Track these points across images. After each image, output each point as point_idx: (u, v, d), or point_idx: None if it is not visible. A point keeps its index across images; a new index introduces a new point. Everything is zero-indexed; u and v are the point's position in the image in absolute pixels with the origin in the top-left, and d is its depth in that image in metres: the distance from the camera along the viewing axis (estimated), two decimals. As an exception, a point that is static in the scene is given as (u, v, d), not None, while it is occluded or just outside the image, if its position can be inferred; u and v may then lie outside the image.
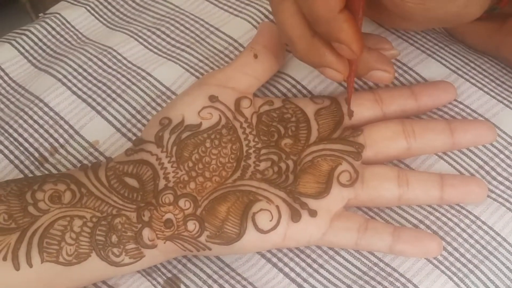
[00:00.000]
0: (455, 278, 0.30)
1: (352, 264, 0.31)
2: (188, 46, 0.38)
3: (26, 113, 0.36)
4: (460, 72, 0.36)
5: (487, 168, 0.33)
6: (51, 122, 0.36)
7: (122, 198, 0.30)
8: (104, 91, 0.36)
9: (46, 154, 0.35)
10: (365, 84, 0.36)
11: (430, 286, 0.30)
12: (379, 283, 0.30)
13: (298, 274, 0.31)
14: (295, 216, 0.30)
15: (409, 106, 0.34)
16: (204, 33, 0.39)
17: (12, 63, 0.39)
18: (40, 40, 0.39)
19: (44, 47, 0.39)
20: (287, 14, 0.29)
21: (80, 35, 0.40)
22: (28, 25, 0.40)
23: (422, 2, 0.26)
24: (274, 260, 0.31)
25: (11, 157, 0.35)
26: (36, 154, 0.35)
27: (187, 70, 0.37)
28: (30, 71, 0.38)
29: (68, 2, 0.41)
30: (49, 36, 0.40)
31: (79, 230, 0.29)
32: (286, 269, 0.31)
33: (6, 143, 0.35)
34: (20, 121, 0.36)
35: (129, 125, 0.35)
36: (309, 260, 0.31)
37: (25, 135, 0.35)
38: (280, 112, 0.33)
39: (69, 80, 0.37)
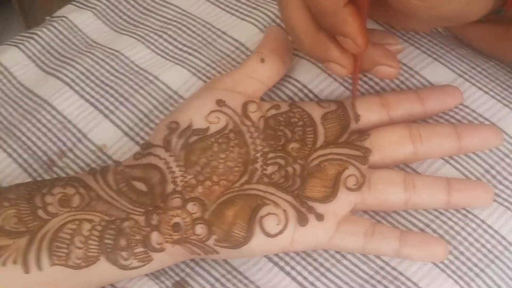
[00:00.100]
0: (461, 282, 0.31)
1: (359, 268, 0.31)
2: (195, 50, 0.38)
3: (34, 117, 0.36)
4: (466, 76, 0.36)
5: (493, 172, 0.33)
6: (59, 125, 0.36)
7: (131, 202, 0.30)
8: (111, 95, 0.37)
9: (54, 157, 0.35)
10: (371, 88, 0.36)
11: (436, 289, 0.30)
12: (386, 286, 0.31)
13: (305, 278, 0.31)
14: (302, 220, 0.30)
15: (416, 110, 0.34)
16: (211, 36, 0.39)
17: (20, 67, 0.39)
18: (48, 43, 0.40)
19: (51, 50, 0.39)
20: (293, 9, 0.29)
21: (87, 39, 0.40)
22: (35, 29, 0.40)
23: None
24: (281, 263, 0.32)
25: (20, 160, 0.35)
26: (45, 158, 0.35)
27: (194, 74, 0.37)
28: (38, 75, 0.38)
29: (75, 5, 0.41)
30: (57, 40, 0.40)
31: (88, 233, 0.29)
32: (293, 273, 0.31)
33: (15, 146, 0.35)
34: (28, 125, 0.36)
35: (136, 129, 0.36)
36: (316, 264, 0.32)
37: (33, 138, 0.36)
38: (287, 116, 0.33)
39: (77, 84, 0.37)
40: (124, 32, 0.40)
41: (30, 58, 0.39)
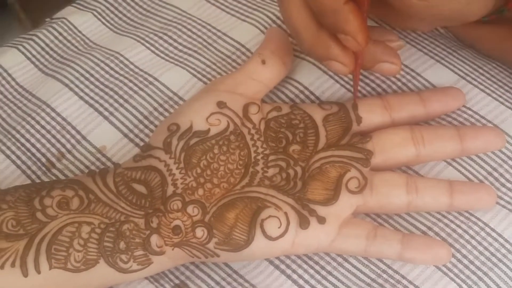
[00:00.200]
0: (464, 286, 0.30)
1: (361, 271, 0.31)
2: (195, 51, 0.38)
3: (33, 118, 0.36)
4: (468, 78, 0.36)
5: (495, 174, 0.33)
6: (58, 127, 0.36)
7: (130, 205, 0.30)
8: (111, 96, 0.36)
9: (53, 159, 0.35)
10: (373, 90, 0.36)
11: (439, 293, 0.30)
12: (388, 290, 0.30)
13: (306, 281, 0.31)
14: (304, 223, 0.30)
15: (418, 112, 0.33)
16: (212, 38, 0.39)
17: (19, 68, 0.39)
18: (47, 45, 0.39)
19: (51, 52, 0.39)
20: (293, 7, 0.29)
21: (87, 40, 0.40)
22: (35, 30, 0.40)
23: None
24: (282, 266, 0.31)
25: (18, 162, 0.35)
26: (44, 160, 0.35)
27: (195, 75, 0.37)
28: (37, 76, 0.38)
29: (75, 7, 0.41)
30: (56, 41, 0.40)
31: (87, 236, 0.29)
32: (295, 276, 0.31)
33: (13, 148, 0.35)
34: (27, 126, 0.36)
35: (136, 131, 0.35)
36: (317, 267, 0.31)
37: (32, 140, 0.35)
38: (288, 118, 0.33)
39: (76, 86, 0.37)
40: (124, 34, 0.40)
41: (30, 59, 0.39)
